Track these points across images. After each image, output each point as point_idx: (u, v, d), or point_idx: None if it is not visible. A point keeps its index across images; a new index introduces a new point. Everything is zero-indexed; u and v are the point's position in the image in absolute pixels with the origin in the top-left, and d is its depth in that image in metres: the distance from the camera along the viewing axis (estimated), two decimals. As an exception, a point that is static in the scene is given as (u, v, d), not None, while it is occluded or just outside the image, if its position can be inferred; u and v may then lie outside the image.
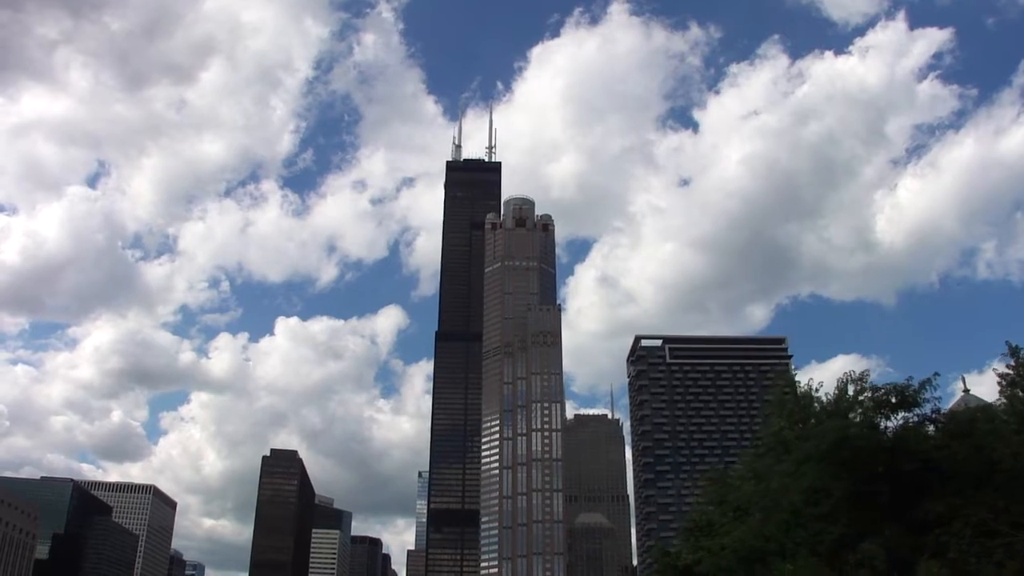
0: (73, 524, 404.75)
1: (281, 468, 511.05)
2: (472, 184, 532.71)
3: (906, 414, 38.91)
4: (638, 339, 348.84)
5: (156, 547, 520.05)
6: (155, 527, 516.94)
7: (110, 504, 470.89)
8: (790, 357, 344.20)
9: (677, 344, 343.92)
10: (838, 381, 42.05)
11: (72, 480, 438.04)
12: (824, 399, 42.08)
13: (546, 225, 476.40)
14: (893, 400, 38.75)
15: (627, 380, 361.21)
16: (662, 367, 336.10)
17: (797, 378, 49.52)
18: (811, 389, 42.75)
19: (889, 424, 39.17)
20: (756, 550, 39.24)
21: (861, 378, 40.76)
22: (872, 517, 36.01)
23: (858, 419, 38.22)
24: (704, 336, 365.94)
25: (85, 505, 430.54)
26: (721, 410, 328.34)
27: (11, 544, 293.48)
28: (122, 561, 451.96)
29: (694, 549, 50.57)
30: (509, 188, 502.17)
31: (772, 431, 43.67)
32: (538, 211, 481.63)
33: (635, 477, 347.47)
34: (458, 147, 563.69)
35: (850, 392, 41.28)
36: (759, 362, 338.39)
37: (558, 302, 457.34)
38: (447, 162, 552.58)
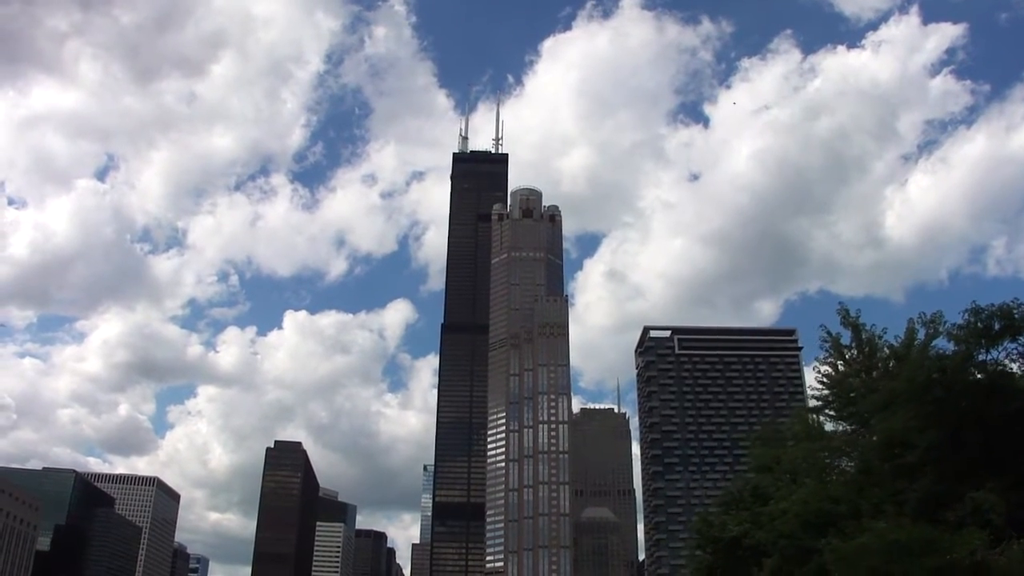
0: (75, 515, 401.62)
1: (285, 460, 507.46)
2: (479, 176, 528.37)
3: (1010, 344, 33.69)
4: (646, 330, 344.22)
5: (159, 539, 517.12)
6: (158, 519, 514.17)
7: (113, 496, 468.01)
8: (800, 349, 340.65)
9: (686, 335, 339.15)
10: (909, 321, 37.59)
11: (74, 471, 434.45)
12: (893, 344, 37.76)
13: (553, 216, 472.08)
14: (996, 327, 32.11)
15: (635, 372, 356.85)
16: (671, 358, 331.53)
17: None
18: (876, 334, 38.22)
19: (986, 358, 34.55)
20: (824, 513, 34.69)
21: (934, 320, 36.10)
22: (960, 472, 31.57)
23: (951, 351, 33.49)
24: (713, 327, 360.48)
25: (88, 497, 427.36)
26: (730, 402, 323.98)
27: (12, 535, 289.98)
28: (125, 553, 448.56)
29: (739, 520, 46.10)
30: (517, 181, 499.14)
31: (836, 378, 38.73)
32: (546, 203, 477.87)
33: (643, 470, 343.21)
34: (465, 139, 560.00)
35: (921, 336, 36.79)
36: (768, 354, 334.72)
37: (565, 294, 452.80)
38: (454, 154, 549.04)
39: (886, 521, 29.66)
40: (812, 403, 40.82)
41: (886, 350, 38.06)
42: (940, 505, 30.59)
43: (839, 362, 39.48)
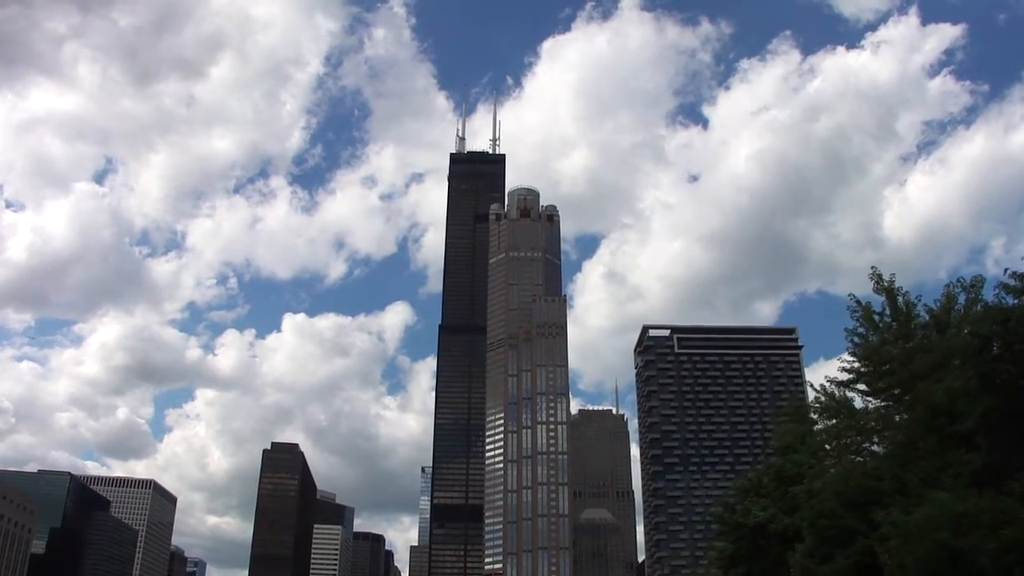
0: (71, 518, 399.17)
1: (282, 462, 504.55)
2: (476, 176, 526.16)
3: None
4: (646, 329, 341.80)
5: (156, 542, 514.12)
6: (155, 522, 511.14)
7: (109, 499, 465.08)
8: (800, 348, 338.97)
9: (685, 334, 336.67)
10: (945, 289, 35.35)
11: (70, 474, 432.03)
12: (932, 308, 35.51)
13: (551, 216, 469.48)
14: None
15: (634, 373, 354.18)
16: (670, 357, 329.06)
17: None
18: (911, 302, 35.95)
19: None
20: (866, 490, 32.34)
21: (974, 284, 33.93)
22: (1014, 443, 29.38)
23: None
24: (713, 326, 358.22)
25: (83, 499, 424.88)
26: (731, 401, 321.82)
27: (7, 538, 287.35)
28: (121, 556, 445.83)
29: (763, 506, 43.59)
30: (516, 183, 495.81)
31: (871, 347, 36.30)
32: (545, 203, 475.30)
33: (643, 470, 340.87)
34: (462, 140, 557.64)
35: (961, 301, 34.60)
36: (769, 352, 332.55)
37: (564, 294, 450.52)
38: (451, 154, 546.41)
39: (944, 494, 27.60)
40: (842, 376, 38.14)
41: (925, 315, 35.68)
42: (999, 476, 28.50)
43: (870, 332, 36.98)
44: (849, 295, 37.24)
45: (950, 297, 34.97)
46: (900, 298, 36.11)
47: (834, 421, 38.02)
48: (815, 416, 39.40)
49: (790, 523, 39.35)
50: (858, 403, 37.44)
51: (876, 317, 36.98)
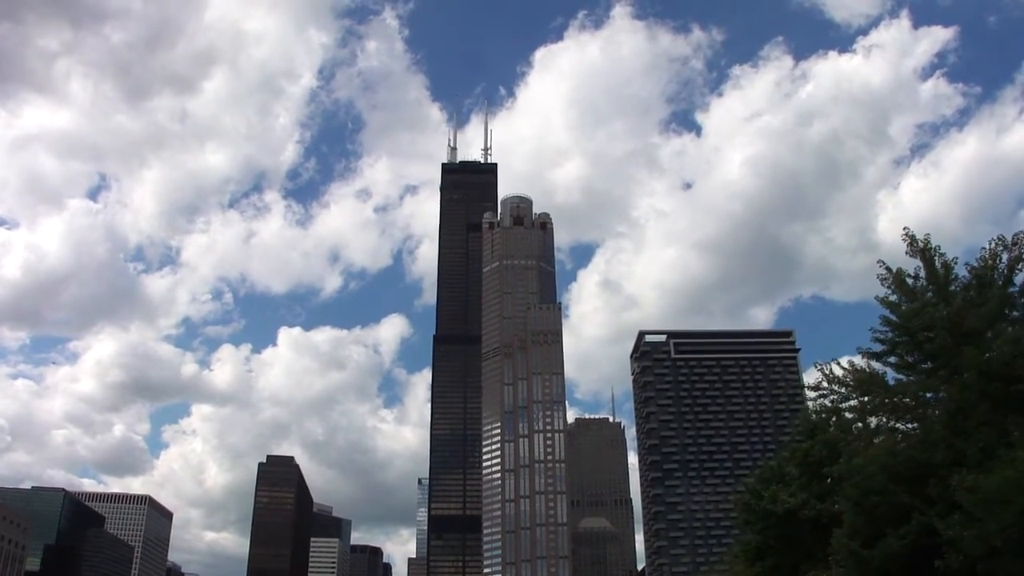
0: (65, 535, 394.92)
1: (278, 475, 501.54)
2: (468, 186, 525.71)
3: None
4: (642, 335, 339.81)
5: (152, 559, 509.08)
6: (151, 538, 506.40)
7: (104, 515, 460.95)
8: (798, 351, 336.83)
9: (682, 339, 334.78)
10: (987, 247, 33.30)
11: (64, 490, 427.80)
12: (974, 266, 33.54)
13: (544, 223, 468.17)
14: None
15: (631, 381, 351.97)
16: (667, 363, 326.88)
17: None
18: (949, 263, 33.86)
19: None
20: (919, 463, 30.25)
21: (1016, 243, 32.14)
22: None
23: None
24: (709, 331, 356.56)
25: (78, 516, 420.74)
26: (729, 406, 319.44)
27: (0, 555, 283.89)
28: (117, 573, 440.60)
29: (791, 492, 41.27)
30: (508, 191, 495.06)
31: (911, 311, 33.99)
32: (538, 211, 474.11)
33: (641, 476, 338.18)
34: (453, 149, 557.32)
35: (1004, 259, 32.72)
36: (766, 356, 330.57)
37: (558, 301, 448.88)
38: (442, 164, 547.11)
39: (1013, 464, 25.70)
40: (876, 348, 35.79)
41: (967, 273, 33.56)
42: None
43: (903, 300, 34.70)
44: (878, 262, 34.93)
45: (993, 254, 33.02)
46: (937, 259, 33.97)
47: (866, 398, 35.74)
48: (845, 391, 36.75)
49: (824, 508, 37.37)
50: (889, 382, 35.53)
51: (910, 280, 34.70)
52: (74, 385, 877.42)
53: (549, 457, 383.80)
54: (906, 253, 34.33)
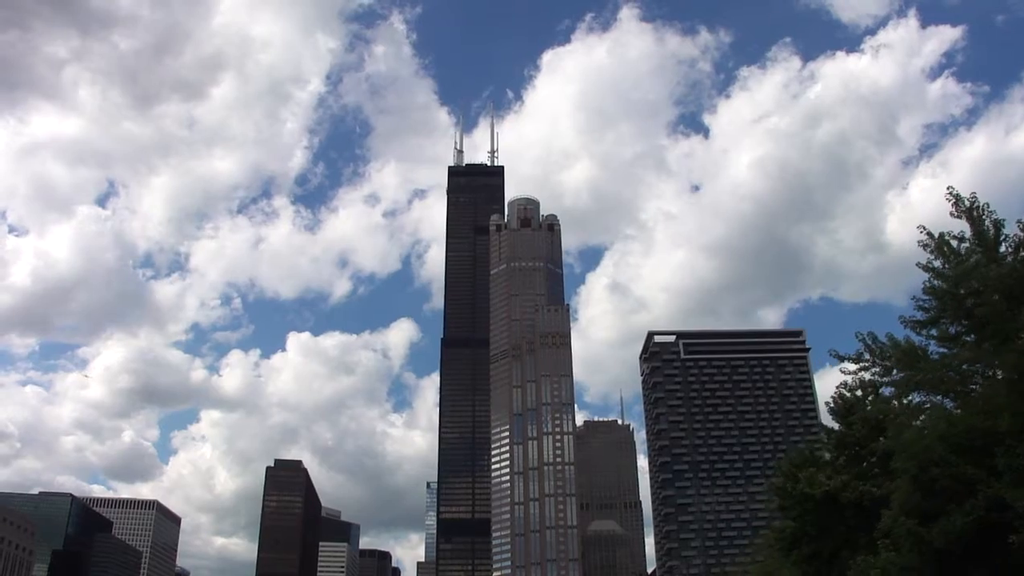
0: (73, 540, 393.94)
1: (285, 479, 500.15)
2: (475, 189, 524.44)
3: None
4: (651, 335, 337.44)
5: (160, 564, 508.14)
6: (159, 544, 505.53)
7: (111, 520, 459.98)
8: (808, 350, 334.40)
9: (691, 339, 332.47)
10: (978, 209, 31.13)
11: (71, 495, 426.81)
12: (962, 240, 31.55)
13: (552, 225, 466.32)
14: None
15: (640, 384, 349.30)
16: (676, 363, 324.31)
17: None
18: (999, 220, 31.49)
19: None
20: (982, 432, 27.98)
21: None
22: None
23: None
24: (719, 331, 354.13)
25: (85, 521, 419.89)
26: (739, 406, 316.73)
27: (7, 560, 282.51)
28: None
29: (830, 474, 38.85)
30: (515, 194, 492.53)
31: (962, 270, 31.43)
32: (547, 215, 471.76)
33: (652, 478, 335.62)
34: (460, 152, 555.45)
35: (988, 225, 30.90)
36: (776, 356, 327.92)
37: (567, 304, 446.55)
38: (449, 167, 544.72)
39: None
40: (919, 316, 33.34)
41: (1020, 231, 31.22)
42: None
43: (947, 265, 32.27)
44: (919, 227, 32.62)
45: (976, 222, 30.90)
46: (987, 219, 31.67)
47: (907, 373, 33.30)
48: (889, 362, 34.20)
49: (866, 490, 35.08)
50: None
51: (954, 242, 32.24)
52: (83, 392, 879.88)
53: (558, 460, 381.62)
54: (951, 215, 32.11)
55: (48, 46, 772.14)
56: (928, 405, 33.08)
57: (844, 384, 39.94)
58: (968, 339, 31.68)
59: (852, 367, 35.18)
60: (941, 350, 33.22)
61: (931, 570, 28.62)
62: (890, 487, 32.08)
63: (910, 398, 34.21)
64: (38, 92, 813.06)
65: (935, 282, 32.30)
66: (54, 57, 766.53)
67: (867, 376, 36.34)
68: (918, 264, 32.83)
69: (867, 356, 34.46)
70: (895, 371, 33.97)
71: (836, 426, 42.46)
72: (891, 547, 30.02)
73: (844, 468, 38.64)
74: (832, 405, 42.79)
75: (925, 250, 32.51)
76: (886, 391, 37.43)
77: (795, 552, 43.55)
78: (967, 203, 31.72)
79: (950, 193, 32.09)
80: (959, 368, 31.71)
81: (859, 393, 40.06)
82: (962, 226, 32.36)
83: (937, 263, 32.40)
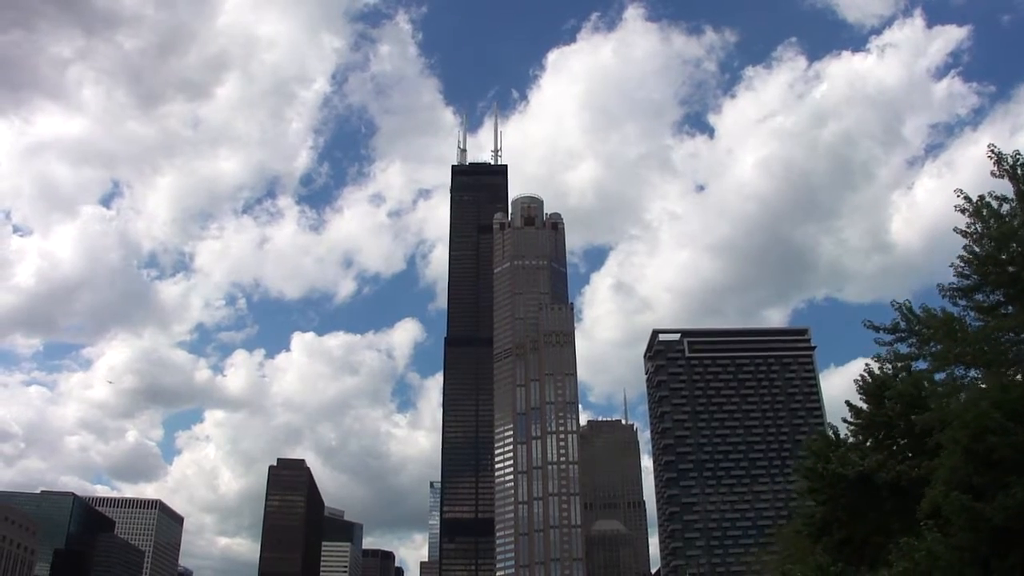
0: (75, 540, 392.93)
1: (288, 479, 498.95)
2: (478, 188, 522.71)
3: None
4: (655, 333, 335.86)
5: (163, 563, 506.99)
6: (162, 543, 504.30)
7: (114, 519, 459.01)
8: (813, 348, 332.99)
9: (696, 337, 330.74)
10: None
11: (73, 494, 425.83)
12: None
13: (555, 224, 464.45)
14: None
15: (644, 383, 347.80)
16: (681, 362, 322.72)
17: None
18: None
19: None
20: None
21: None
22: None
23: None
24: (723, 329, 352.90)
25: (87, 520, 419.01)
26: (744, 404, 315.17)
27: (9, 559, 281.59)
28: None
29: (864, 453, 36.85)
30: (520, 193, 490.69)
31: (1006, 230, 29.50)
32: (551, 213, 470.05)
33: (656, 477, 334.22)
34: (463, 151, 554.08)
35: (986, 212, 29.22)
36: (781, 354, 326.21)
37: (571, 302, 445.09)
38: (452, 166, 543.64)
39: None
40: (958, 283, 31.31)
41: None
42: None
43: (985, 233, 30.30)
44: (956, 190, 30.71)
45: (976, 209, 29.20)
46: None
47: (945, 344, 31.27)
48: (927, 332, 32.17)
49: (903, 470, 33.13)
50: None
51: (995, 203, 30.22)
52: (87, 392, 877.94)
53: (562, 459, 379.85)
54: (992, 174, 30.27)
55: (53, 46, 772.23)
56: (967, 380, 31.15)
57: (876, 356, 37.78)
58: (1007, 311, 29.86)
59: (888, 336, 33.18)
60: (978, 323, 31.46)
61: (987, 549, 26.75)
62: (931, 465, 30.22)
63: (950, 370, 32.05)
64: (42, 92, 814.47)
65: (974, 248, 30.43)
66: (58, 57, 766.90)
67: (904, 349, 34.20)
68: (955, 229, 31.05)
69: (903, 326, 32.58)
70: (932, 343, 32.09)
71: (864, 407, 40.55)
72: (936, 528, 28.08)
73: (875, 449, 36.73)
74: (861, 384, 40.90)
75: (964, 215, 30.71)
76: (918, 365, 35.33)
77: (825, 538, 41.29)
78: (1010, 161, 29.85)
79: (992, 150, 30.22)
80: (999, 340, 29.88)
81: (889, 369, 38.13)
82: (1004, 187, 30.64)
83: (976, 227, 30.50)
